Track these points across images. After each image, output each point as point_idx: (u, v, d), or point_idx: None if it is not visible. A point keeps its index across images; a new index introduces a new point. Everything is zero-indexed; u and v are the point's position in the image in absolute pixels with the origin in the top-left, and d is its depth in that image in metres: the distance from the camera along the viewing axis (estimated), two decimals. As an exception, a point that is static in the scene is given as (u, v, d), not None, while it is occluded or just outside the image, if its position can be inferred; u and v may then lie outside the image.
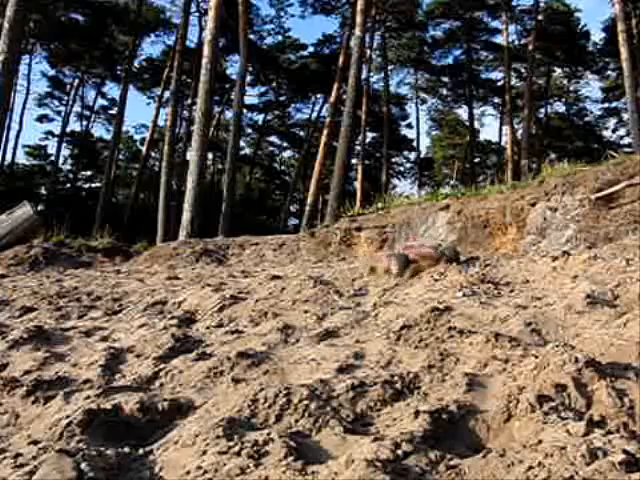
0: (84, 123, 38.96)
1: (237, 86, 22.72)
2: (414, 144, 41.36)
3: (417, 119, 39.86)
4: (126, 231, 22.00)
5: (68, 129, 37.25)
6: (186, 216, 16.95)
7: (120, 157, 39.29)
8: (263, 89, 39.49)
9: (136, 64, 35.50)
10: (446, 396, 3.02)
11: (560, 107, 41.14)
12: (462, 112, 41.69)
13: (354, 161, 35.34)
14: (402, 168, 45.69)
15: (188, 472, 2.53)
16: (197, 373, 3.68)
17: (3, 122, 17.32)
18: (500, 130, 39.45)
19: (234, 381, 3.51)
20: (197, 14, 30.56)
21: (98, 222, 24.29)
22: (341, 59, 27.44)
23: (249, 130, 42.15)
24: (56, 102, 37.83)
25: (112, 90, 41.01)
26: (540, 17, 32.15)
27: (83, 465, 2.37)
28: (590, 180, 7.91)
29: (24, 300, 5.94)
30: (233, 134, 22.30)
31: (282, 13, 34.99)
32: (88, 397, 3.26)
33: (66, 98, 37.15)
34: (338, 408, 2.98)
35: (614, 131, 39.69)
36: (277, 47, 36.81)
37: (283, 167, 47.99)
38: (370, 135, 39.87)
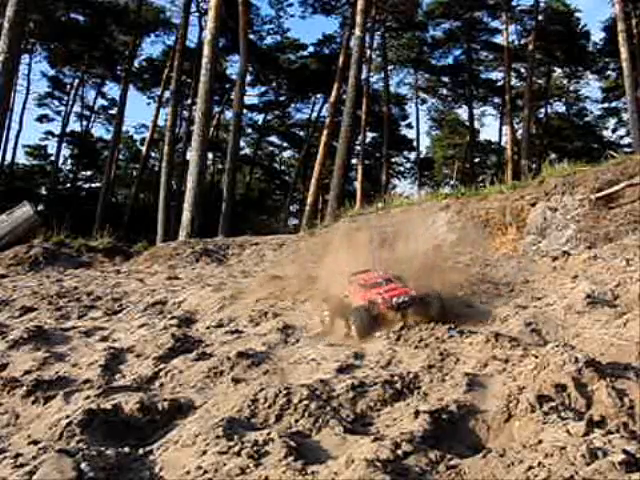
0: (84, 123, 38.89)
1: (237, 86, 22.73)
2: (414, 144, 41.33)
3: (417, 119, 39.88)
4: (126, 231, 22.01)
5: (68, 129, 37.17)
6: (186, 216, 16.95)
7: (120, 157, 39.21)
8: (263, 89, 39.47)
9: (136, 64, 35.45)
10: (446, 396, 3.02)
11: (560, 107, 41.13)
12: (462, 112, 41.69)
13: (354, 161, 35.32)
14: (402, 168, 45.71)
15: (188, 472, 2.53)
16: (197, 373, 3.69)
17: (3, 122, 17.32)
18: (500, 130, 39.43)
19: (234, 381, 3.51)
20: (197, 14, 30.53)
21: (98, 222, 24.27)
22: (341, 59, 27.43)
23: (249, 130, 42.10)
24: (56, 102, 37.74)
25: (112, 90, 40.94)
26: (540, 17, 32.14)
27: (83, 465, 2.37)
28: (590, 180, 7.92)
29: (24, 300, 5.94)
30: (233, 134, 22.30)
31: (282, 13, 35.00)
32: (88, 397, 3.26)
33: (66, 98, 37.12)
34: (338, 408, 2.97)
35: (614, 131, 39.68)
36: (277, 47, 36.80)
37: (283, 167, 47.97)
38: (370, 135, 39.83)
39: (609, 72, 35.79)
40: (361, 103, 30.60)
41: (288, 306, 5.20)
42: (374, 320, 4.11)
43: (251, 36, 31.03)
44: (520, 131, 33.07)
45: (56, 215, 15.79)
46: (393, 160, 42.39)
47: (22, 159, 39.47)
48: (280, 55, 36.92)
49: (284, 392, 3.05)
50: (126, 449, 2.66)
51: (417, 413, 2.80)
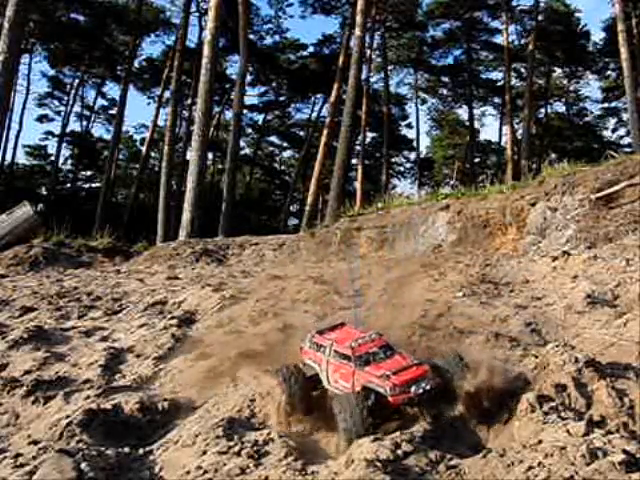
0: (84, 123, 38.88)
1: (237, 86, 22.71)
2: (414, 144, 41.32)
3: (417, 119, 39.82)
4: (126, 231, 21.97)
5: (68, 129, 37.18)
6: (186, 216, 16.94)
7: (120, 157, 39.17)
8: (263, 89, 39.47)
9: (136, 64, 35.39)
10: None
11: (560, 107, 41.06)
12: (462, 112, 41.66)
13: (354, 161, 35.32)
14: (402, 168, 45.69)
15: (188, 472, 2.54)
16: (197, 373, 3.69)
17: (3, 122, 17.32)
18: (500, 130, 39.40)
19: (234, 381, 3.52)
20: (197, 14, 30.50)
21: (98, 222, 24.25)
22: (341, 59, 27.42)
23: (249, 130, 42.09)
24: (56, 102, 37.73)
25: (112, 90, 40.88)
26: (540, 17, 32.13)
27: (83, 465, 2.37)
28: (590, 180, 7.91)
29: (24, 300, 5.95)
30: (233, 134, 22.28)
31: (281, 13, 34.98)
32: (88, 397, 3.27)
33: (66, 98, 37.10)
34: (338, 408, 2.98)
35: (614, 131, 39.66)
36: (277, 47, 36.79)
37: (283, 167, 47.96)
38: (370, 135, 39.81)
39: (609, 72, 35.77)
40: (361, 103, 30.57)
41: (288, 306, 5.20)
42: (373, 417, 2.61)
43: (251, 36, 31.02)
44: (520, 131, 33.04)
45: (56, 215, 15.77)
46: (393, 160, 42.34)
47: (22, 159, 39.45)
48: (280, 55, 36.89)
49: (284, 392, 3.04)
50: (126, 449, 2.66)
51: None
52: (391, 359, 2.80)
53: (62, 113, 37.08)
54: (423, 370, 2.72)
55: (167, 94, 30.49)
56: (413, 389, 2.62)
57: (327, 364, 2.92)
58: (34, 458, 2.47)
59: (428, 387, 2.65)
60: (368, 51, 30.77)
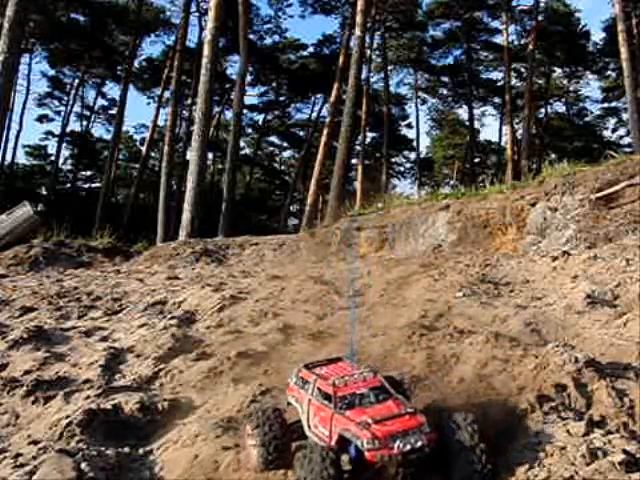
0: (84, 123, 38.96)
1: (237, 86, 22.72)
2: (414, 144, 41.39)
3: (417, 119, 39.87)
4: (126, 231, 21.97)
5: (68, 129, 37.24)
6: (186, 216, 16.94)
7: (120, 157, 39.20)
8: (263, 89, 39.56)
9: (136, 64, 35.46)
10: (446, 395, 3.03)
11: (560, 107, 41.12)
12: (462, 112, 41.72)
13: (354, 161, 35.33)
14: (402, 168, 45.70)
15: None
16: (197, 373, 3.70)
17: (3, 122, 17.32)
18: (500, 130, 39.41)
19: (234, 381, 3.52)
20: (197, 14, 30.53)
21: (98, 222, 24.26)
22: (341, 59, 27.44)
23: (249, 130, 42.15)
24: (56, 102, 37.82)
25: (112, 90, 40.97)
26: (540, 17, 32.16)
27: (83, 465, 2.37)
28: (590, 180, 7.91)
29: (24, 300, 5.95)
30: (233, 134, 22.28)
31: (281, 13, 35.01)
32: (88, 397, 3.27)
33: (66, 98, 37.15)
34: (338, 408, 2.97)
35: (614, 131, 39.72)
36: (277, 47, 36.81)
37: (283, 167, 47.99)
38: (370, 135, 39.88)
39: (609, 72, 35.81)
40: (361, 103, 30.58)
41: (288, 306, 5.20)
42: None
43: (251, 36, 31.03)
44: (520, 131, 33.06)
45: (56, 215, 15.78)
46: (393, 160, 42.36)
47: (22, 159, 39.55)
48: (280, 55, 36.94)
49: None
50: (126, 449, 2.67)
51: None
52: (382, 404, 2.30)
53: (62, 113, 37.19)
54: (417, 422, 2.17)
55: (167, 94, 30.54)
56: (398, 445, 2.06)
57: (309, 404, 2.46)
58: (34, 458, 2.47)
59: (419, 444, 2.09)
60: (368, 51, 30.78)
